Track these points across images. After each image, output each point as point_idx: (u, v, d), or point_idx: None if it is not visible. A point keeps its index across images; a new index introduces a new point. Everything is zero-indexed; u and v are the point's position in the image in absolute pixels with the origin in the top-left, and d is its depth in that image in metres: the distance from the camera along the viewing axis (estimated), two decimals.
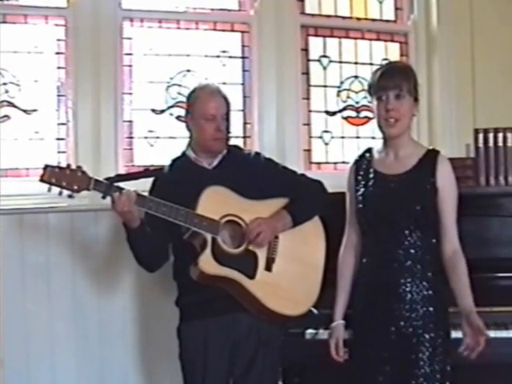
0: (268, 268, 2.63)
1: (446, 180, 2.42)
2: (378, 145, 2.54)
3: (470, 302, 2.37)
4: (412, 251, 2.39)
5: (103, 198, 2.49)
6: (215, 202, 2.57)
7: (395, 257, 2.40)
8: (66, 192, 2.45)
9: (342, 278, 2.55)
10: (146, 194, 2.64)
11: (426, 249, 2.40)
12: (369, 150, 2.56)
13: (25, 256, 3.10)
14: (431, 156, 2.45)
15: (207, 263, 2.51)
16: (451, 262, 2.41)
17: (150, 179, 2.81)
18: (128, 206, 2.46)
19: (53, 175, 2.43)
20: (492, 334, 2.60)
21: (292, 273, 2.66)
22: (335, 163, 3.89)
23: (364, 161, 2.53)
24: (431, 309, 2.38)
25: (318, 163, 3.86)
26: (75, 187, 2.44)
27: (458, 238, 2.43)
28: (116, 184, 2.52)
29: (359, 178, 2.51)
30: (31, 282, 3.12)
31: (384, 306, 2.40)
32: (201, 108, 2.67)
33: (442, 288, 2.42)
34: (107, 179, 2.57)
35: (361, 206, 2.48)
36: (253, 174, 2.72)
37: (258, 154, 2.87)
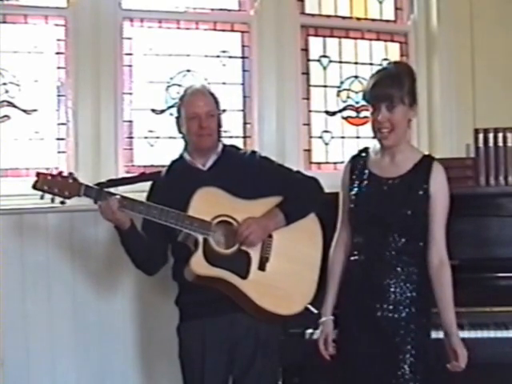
0: (262, 268, 2.63)
1: (439, 187, 2.41)
2: (375, 145, 2.54)
3: (453, 321, 2.38)
4: (399, 254, 2.39)
5: (95, 203, 2.54)
6: (207, 203, 2.58)
7: (382, 258, 2.40)
8: (58, 199, 2.51)
9: (332, 274, 2.57)
10: (144, 196, 2.65)
11: (412, 251, 2.41)
12: (365, 150, 2.56)
13: (24, 256, 3.10)
14: (426, 162, 2.44)
15: (198, 264, 2.53)
16: (437, 274, 2.40)
17: (147, 183, 2.83)
18: (111, 215, 2.51)
19: (45, 183, 2.50)
20: (492, 334, 2.61)
21: (286, 272, 2.66)
22: (335, 163, 3.89)
23: (360, 160, 2.53)
24: (414, 310, 2.39)
25: (318, 163, 3.86)
26: (66, 193, 2.51)
27: (445, 247, 2.42)
28: (106, 190, 2.56)
29: (354, 177, 2.51)
30: (31, 282, 3.12)
31: (368, 306, 2.41)
32: (185, 109, 2.72)
33: (426, 290, 2.42)
34: (98, 184, 2.61)
35: (353, 205, 2.48)
36: (248, 173, 2.72)
37: (253, 152, 2.88)
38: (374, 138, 2.47)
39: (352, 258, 2.50)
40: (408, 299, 2.38)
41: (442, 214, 2.42)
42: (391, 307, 2.38)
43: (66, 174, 2.56)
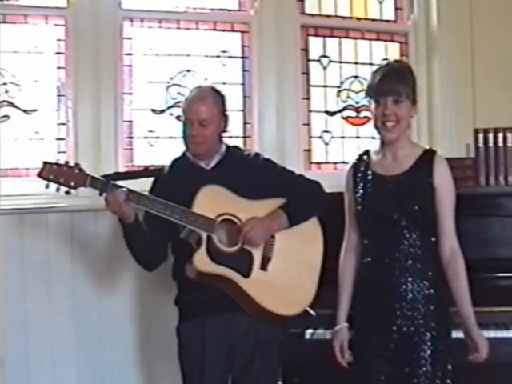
0: (263, 267, 2.63)
1: (443, 179, 2.42)
2: (375, 146, 2.55)
3: (470, 313, 2.38)
4: (412, 250, 2.40)
5: (100, 194, 2.52)
6: (211, 201, 2.58)
7: (395, 256, 2.40)
8: (63, 188, 2.49)
9: (344, 281, 2.56)
10: (145, 193, 2.65)
11: (425, 248, 2.41)
12: (366, 152, 2.57)
13: (25, 256, 3.10)
14: (428, 156, 2.46)
15: (201, 261, 2.53)
16: (450, 265, 2.41)
17: (150, 179, 2.82)
18: (117, 207, 2.48)
19: (51, 172, 2.48)
20: (492, 333, 2.61)
21: (288, 273, 2.66)
22: (335, 163, 3.89)
23: (362, 163, 2.54)
24: (432, 307, 2.39)
25: (318, 163, 3.86)
26: (72, 184, 2.49)
27: (456, 238, 2.43)
28: (113, 182, 2.54)
29: (357, 180, 2.52)
30: (31, 282, 3.12)
31: (385, 306, 2.41)
32: (183, 111, 2.71)
33: (442, 287, 2.42)
34: (104, 176, 2.60)
35: (360, 207, 2.49)
36: (251, 174, 2.72)
37: (257, 154, 2.87)
38: (374, 135, 2.47)
39: (364, 261, 2.50)
40: (425, 297, 2.38)
41: (449, 204, 2.42)
42: (409, 306, 2.38)
43: (72, 163, 2.54)
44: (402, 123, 2.42)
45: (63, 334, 3.16)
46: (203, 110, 2.65)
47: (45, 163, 2.49)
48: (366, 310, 2.47)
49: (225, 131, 2.77)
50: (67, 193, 2.51)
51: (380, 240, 2.45)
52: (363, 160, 2.55)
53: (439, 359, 2.36)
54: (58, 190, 2.50)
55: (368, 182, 2.49)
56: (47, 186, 2.49)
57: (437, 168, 2.42)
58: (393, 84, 2.40)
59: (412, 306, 2.38)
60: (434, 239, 2.43)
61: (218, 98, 2.73)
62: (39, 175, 2.48)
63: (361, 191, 2.49)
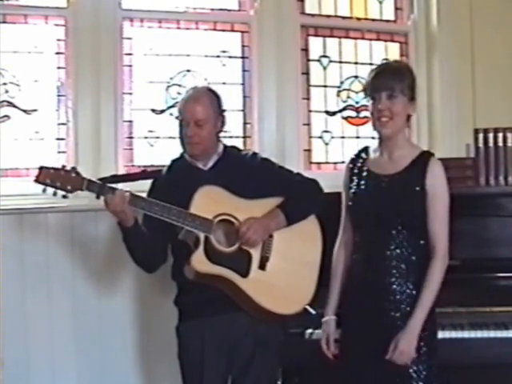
0: (262, 267, 2.64)
1: (435, 182, 2.40)
2: (374, 144, 2.55)
3: (417, 314, 2.33)
4: (398, 251, 2.39)
5: (97, 197, 2.52)
6: (209, 201, 2.58)
7: (382, 256, 2.40)
8: (60, 192, 2.51)
9: (335, 274, 2.57)
10: (143, 194, 2.65)
11: (412, 249, 2.39)
12: (365, 149, 2.57)
13: (25, 256, 3.10)
14: (424, 158, 2.44)
15: (200, 262, 2.53)
16: (429, 263, 2.39)
17: (148, 181, 2.82)
18: (121, 207, 2.49)
19: (47, 176, 2.49)
20: (492, 334, 2.61)
21: (286, 272, 2.66)
22: (335, 163, 3.89)
23: (359, 160, 2.55)
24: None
25: (318, 163, 3.86)
26: (69, 187, 2.50)
27: (443, 241, 2.39)
28: (109, 185, 2.54)
29: (353, 176, 2.52)
30: (31, 282, 3.12)
31: (370, 304, 2.40)
32: (179, 111, 2.71)
33: None
34: (101, 179, 2.60)
35: (351, 203, 2.50)
36: (249, 173, 2.72)
37: (254, 154, 2.87)
38: (374, 135, 2.47)
39: (354, 257, 2.51)
40: (409, 297, 2.37)
41: (440, 208, 2.40)
42: (392, 306, 2.37)
43: (68, 168, 2.55)
44: (397, 119, 2.41)
45: (63, 335, 3.16)
46: (199, 109, 2.65)
47: (41, 168, 2.50)
48: (352, 308, 2.47)
49: (222, 131, 2.77)
50: (64, 197, 2.52)
51: (368, 238, 2.44)
52: (361, 157, 2.55)
53: (422, 361, 2.35)
54: (55, 194, 2.51)
55: (362, 178, 2.49)
56: (44, 190, 2.50)
57: (430, 170, 2.40)
58: (387, 80, 2.40)
59: (395, 307, 2.37)
60: (422, 242, 2.40)
61: (214, 98, 2.73)
62: (36, 180, 2.50)
63: (354, 187, 2.50)
